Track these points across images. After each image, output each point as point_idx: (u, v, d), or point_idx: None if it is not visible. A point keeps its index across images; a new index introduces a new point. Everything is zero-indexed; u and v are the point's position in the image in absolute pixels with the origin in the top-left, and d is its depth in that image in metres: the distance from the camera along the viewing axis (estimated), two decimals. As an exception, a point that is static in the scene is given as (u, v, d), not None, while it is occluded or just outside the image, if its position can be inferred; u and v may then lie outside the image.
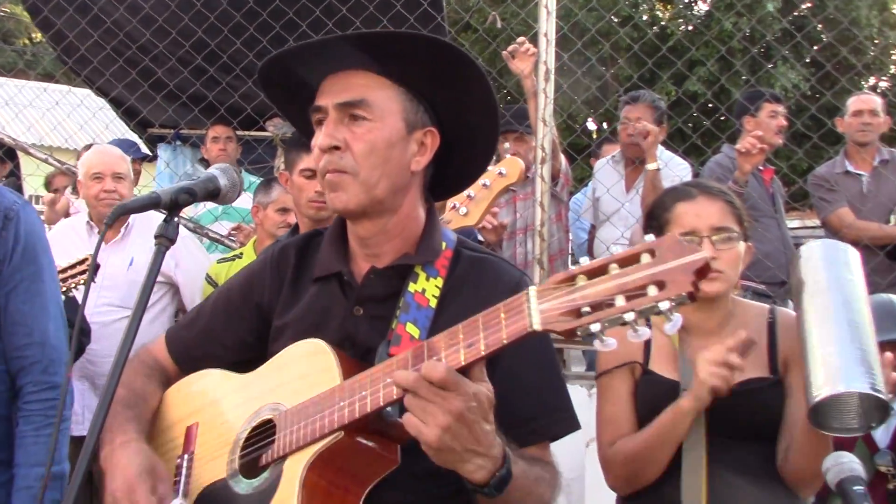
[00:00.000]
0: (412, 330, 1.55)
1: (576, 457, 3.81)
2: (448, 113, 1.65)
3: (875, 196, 4.58)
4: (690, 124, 9.71)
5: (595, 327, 1.18)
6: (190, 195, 1.51)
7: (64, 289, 2.96)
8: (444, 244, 1.67)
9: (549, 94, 4.18)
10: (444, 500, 1.57)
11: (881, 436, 3.06)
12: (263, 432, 1.55)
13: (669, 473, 2.13)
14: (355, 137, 1.55)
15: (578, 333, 1.21)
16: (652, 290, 1.15)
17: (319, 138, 1.57)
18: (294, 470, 1.44)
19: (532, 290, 1.26)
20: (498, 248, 4.57)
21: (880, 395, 1.80)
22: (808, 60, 14.67)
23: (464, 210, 2.69)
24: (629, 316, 1.16)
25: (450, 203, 2.79)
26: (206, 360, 1.75)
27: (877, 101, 4.66)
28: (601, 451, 2.28)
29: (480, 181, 2.78)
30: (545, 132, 4.18)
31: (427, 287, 1.61)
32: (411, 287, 1.60)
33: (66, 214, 4.53)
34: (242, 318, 1.75)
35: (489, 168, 2.82)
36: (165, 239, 1.45)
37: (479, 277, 1.41)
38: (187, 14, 4.56)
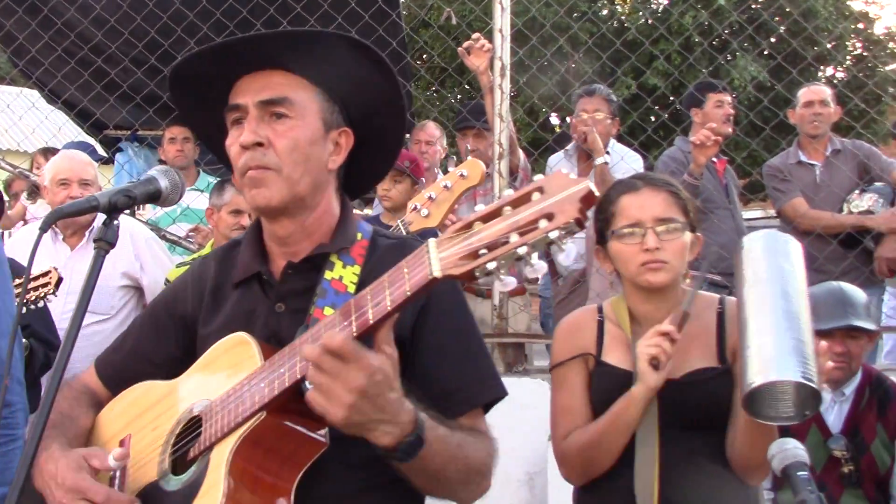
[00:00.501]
0: (330, 313, 1.55)
1: (539, 451, 3.84)
2: (359, 113, 1.69)
3: (828, 185, 4.65)
4: (652, 118, 9.82)
5: (491, 265, 1.24)
6: (129, 198, 1.50)
7: (33, 298, 2.93)
8: (359, 235, 1.72)
9: (504, 90, 4.20)
10: (381, 489, 1.58)
11: (834, 421, 3.12)
12: (192, 428, 1.56)
13: (623, 464, 2.15)
14: (278, 135, 1.59)
15: (477, 274, 1.25)
16: (542, 223, 1.21)
17: (244, 135, 1.58)
18: (220, 457, 1.44)
19: (432, 241, 1.31)
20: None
21: (812, 384, 1.82)
22: (765, 52, 14.87)
23: (425, 212, 2.71)
24: (522, 250, 1.22)
25: (411, 205, 2.80)
26: (137, 380, 1.74)
27: (827, 92, 4.73)
28: (555, 444, 2.30)
29: (441, 183, 2.79)
30: (502, 128, 4.20)
31: (344, 274, 1.64)
32: (327, 275, 1.64)
33: (24, 220, 4.47)
34: (168, 333, 1.77)
35: (450, 169, 2.83)
36: (104, 242, 1.44)
37: (395, 259, 1.41)
38: (140, 14, 4.51)
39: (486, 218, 1.27)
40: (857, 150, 4.73)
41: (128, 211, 1.64)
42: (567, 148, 4.99)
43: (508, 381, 4.08)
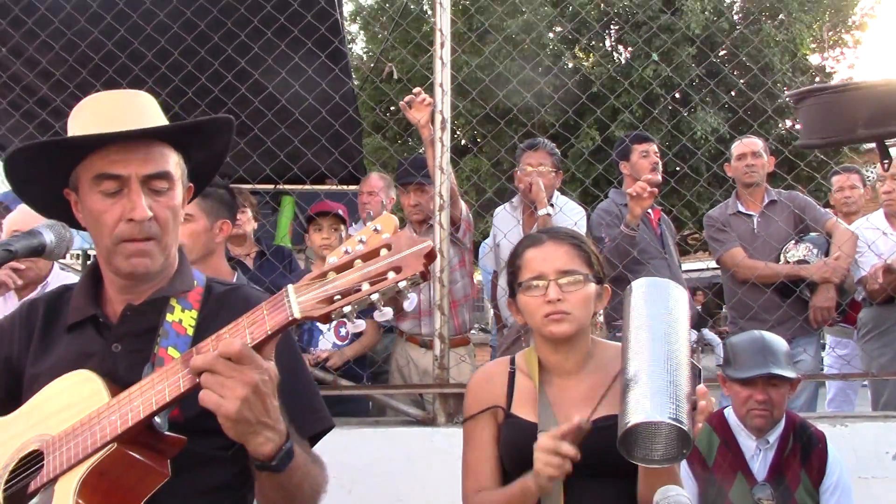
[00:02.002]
0: (174, 353, 1.66)
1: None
2: (194, 164, 1.81)
3: (764, 235, 4.74)
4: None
5: (347, 309, 1.41)
6: (7, 251, 1.53)
7: None
8: (195, 282, 1.82)
9: (445, 143, 4.25)
10: None
11: (759, 468, 3.16)
12: (29, 463, 1.58)
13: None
14: (160, 207, 1.69)
15: (333, 317, 1.41)
16: (391, 275, 1.39)
17: (137, 210, 1.65)
18: (66, 489, 1.48)
19: (290, 287, 1.46)
20: (401, 296, 4.61)
21: (680, 426, 1.85)
22: (726, 106, 15.18)
23: None
24: (374, 297, 1.39)
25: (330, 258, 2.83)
26: None
27: (758, 144, 4.86)
28: (464, 498, 2.33)
29: (357, 237, 2.83)
30: (442, 180, 4.25)
31: (183, 318, 1.74)
32: (169, 317, 1.72)
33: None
34: None
35: (366, 224, 2.88)
36: (-23, 294, 1.46)
37: (232, 304, 1.57)
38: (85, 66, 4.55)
39: (340, 269, 1.44)
40: (793, 201, 4.83)
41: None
42: (512, 200, 5.05)
43: (449, 432, 4.07)
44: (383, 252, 1.42)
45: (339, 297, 1.40)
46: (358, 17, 18.05)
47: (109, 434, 1.49)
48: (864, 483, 3.92)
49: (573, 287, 2.25)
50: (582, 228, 4.65)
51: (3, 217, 4.63)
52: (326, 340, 4.60)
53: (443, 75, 4.28)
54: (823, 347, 5.50)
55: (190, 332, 1.73)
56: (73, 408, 1.58)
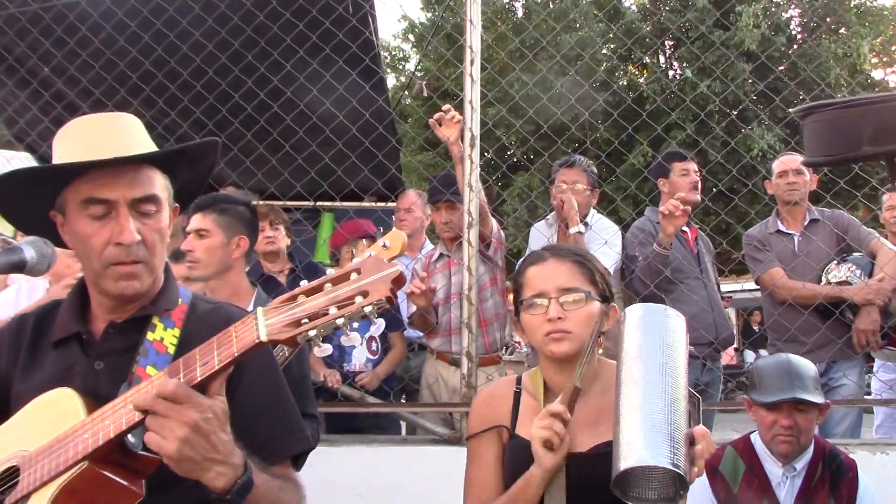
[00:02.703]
0: (152, 372, 1.65)
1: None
2: (180, 185, 1.82)
3: (805, 255, 4.60)
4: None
5: (312, 333, 1.40)
6: (-13, 268, 1.55)
7: None
8: (180, 300, 1.82)
9: (474, 160, 4.24)
10: None
11: (785, 497, 3.08)
12: (7, 479, 1.59)
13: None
14: (148, 229, 1.71)
15: (299, 340, 1.40)
16: (358, 299, 1.39)
17: (125, 234, 1.66)
18: None
19: (260, 309, 1.45)
20: (430, 314, 4.61)
21: (678, 471, 1.77)
22: (784, 123, 14.89)
23: None
24: (340, 321, 1.39)
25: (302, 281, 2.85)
26: None
27: (799, 160, 4.73)
28: None
29: (366, 253, 2.84)
30: (471, 197, 4.23)
31: (165, 336, 1.74)
32: (150, 336, 1.73)
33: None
34: None
35: (377, 241, 2.88)
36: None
37: (214, 321, 1.56)
38: (110, 74, 4.65)
39: (310, 292, 1.44)
40: (835, 220, 4.69)
41: None
42: (548, 217, 5.00)
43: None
44: (353, 276, 1.43)
45: (306, 320, 1.40)
46: (409, 35, 18.21)
47: (81, 452, 1.49)
48: (906, 514, 3.77)
49: (575, 305, 2.19)
50: (616, 246, 4.58)
51: None
52: (357, 358, 4.60)
53: (472, 92, 4.27)
54: (871, 371, 5.30)
55: (171, 350, 1.74)
56: (51, 425, 1.59)
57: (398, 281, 1.41)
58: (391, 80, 19.32)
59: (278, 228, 4.62)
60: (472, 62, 4.28)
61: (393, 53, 19.50)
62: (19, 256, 1.62)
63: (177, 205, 1.84)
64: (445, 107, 4.33)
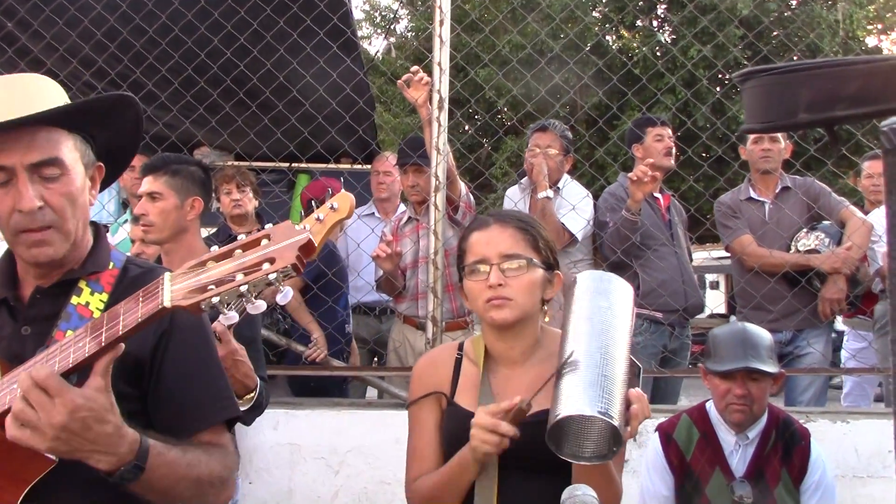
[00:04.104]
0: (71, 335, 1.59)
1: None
2: (103, 143, 1.76)
3: (776, 223, 4.58)
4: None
5: (215, 300, 1.36)
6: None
7: None
8: (111, 263, 1.78)
9: (442, 122, 4.19)
10: (114, 502, 1.60)
11: (738, 464, 3.06)
12: None
13: (465, 509, 2.12)
14: (53, 194, 1.64)
15: (203, 307, 1.37)
16: (265, 266, 1.36)
17: (24, 201, 1.60)
18: None
19: (167, 274, 1.43)
20: (397, 278, 4.58)
21: (609, 420, 1.77)
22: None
23: None
24: (244, 288, 1.35)
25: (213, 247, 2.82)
26: None
27: (769, 128, 4.67)
28: (406, 484, 2.27)
29: (314, 215, 2.80)
30: (439, 160, 4.18)
31: (91, 300, 1.70)
32: (74, 300, 1.69)
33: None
34: None
35: (325, 203, 2.85)
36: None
37: (145, 285, 1.48)
38: (75, 30, 4.57)
39: (219, 258, 1.41)
40: (807, 188, 4.65)
41: None
42: (521, 181, 4.96)
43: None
44: (264, 242, 1.39)
45: (212, 286, 1.37)
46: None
47: None
48: (863, 482, 3.79)
49: (516, 272, 2.16)
50: (585, 213, 4.55)
51: None
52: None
53: (441, 54, 4.21)
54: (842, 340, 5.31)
55: (97, 314, 1.68)
56: None
57: (306, 248, 1.38)
58: (381, 42, 19.14)
59: (245, 190, 4.57)
60: (441, 23, 4.22)
61: (383, 14, 19.28)
62: None
63: (100, 164, 1.77)
64: (413, 68, 4.26)
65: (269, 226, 1.43)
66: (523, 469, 2.09)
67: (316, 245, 2.79)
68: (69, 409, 1.37)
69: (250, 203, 4.66)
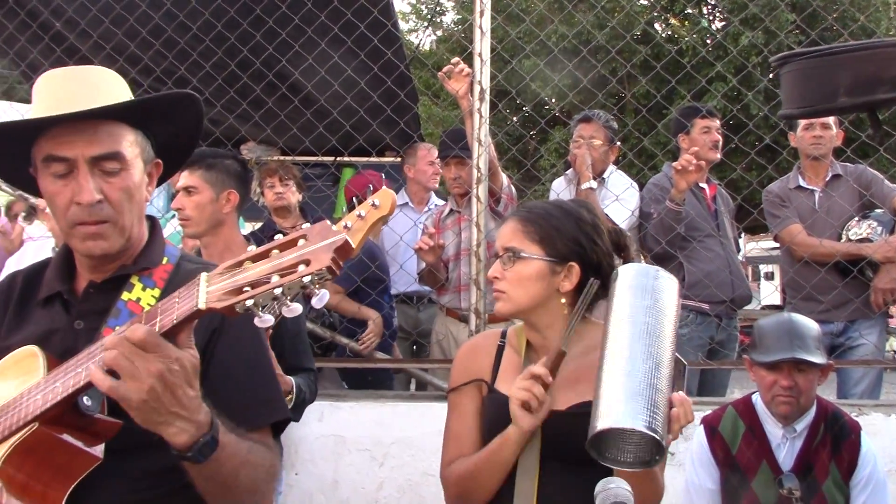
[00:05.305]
0: None
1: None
2: (163, 139, 1.76)
3: (826, 211, 4.47)
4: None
5: (250, 302, 1.31)
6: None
7: None
8: (165, 259, 1.77)
9: (483, 114, 4.17)
10: (163, 499, 1.61)
11: (785, 458, 3.00)
12: None
13: (503, 498, 2.10)
14: (112, 188, 1.64)
15: (237, 309, 1.32)
16: (301, 268, 1.30)
17: (84, 194, 1.60)
18: None
19: (204, 275, 1.39)
20: (439, 270, 4.58)
21: (654, 435, 1.73)
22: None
23: None
24: (279, 290, 1.29)
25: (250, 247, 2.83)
26: None
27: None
28: (441, 469, 2.28)
29: (356, 212, 2.80)
30: (480, 152, 4.17)
31: (143, 297, 1.69)
32: (125, 296, 1.68)
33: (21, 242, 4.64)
34: None
35: (366, 200, 2.84)
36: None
37: None
38: (121, 28, 4.64)
39: (256, 258, 1.35)
40: (858, 176, 4.54)
41: None
42: (567, 173, 4.92)
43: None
44: (301, 243, 1.34)
45: (248, 287, 1.32)
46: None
47: (31, 413, 1.47)
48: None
49: (510, 265, 2.17)
50: (629, 203, 4.49)
51: None
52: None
53: (482, 45, 4.18)
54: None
55: None
56: (16, 382, 1.58)
57: (343, 250, 1.32)
58: (426, 34, 19.13)
59: (288, 184, 4.60)
60: (481, 13, 4.20)
61: (428, 6, 19.27)
62: None
63: (158, 160, 1.77)
64: (454, 60, 4.25)
65: (306, 225, 1.39)
66: (564, 461, 2.08)
67: (354, 245, 2.81)
68: (167, 360, 1.35)
69: (293, 196, 4.69)
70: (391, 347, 4.76)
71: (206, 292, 1.35)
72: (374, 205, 2.77)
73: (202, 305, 1.34)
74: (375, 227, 2.83)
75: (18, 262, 4.32)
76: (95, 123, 1.62)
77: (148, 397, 1.35)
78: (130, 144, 1.67)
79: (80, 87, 1.66)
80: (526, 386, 1.98)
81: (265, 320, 1.33)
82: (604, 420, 1.77)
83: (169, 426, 1.39)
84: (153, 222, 1.81)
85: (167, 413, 1.37)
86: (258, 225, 4.83)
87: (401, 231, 4.90)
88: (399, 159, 6.02)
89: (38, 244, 4.55)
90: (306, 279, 1.29)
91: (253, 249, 1.37)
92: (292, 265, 1.31)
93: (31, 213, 4.73)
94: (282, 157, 5.71)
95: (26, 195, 4.79)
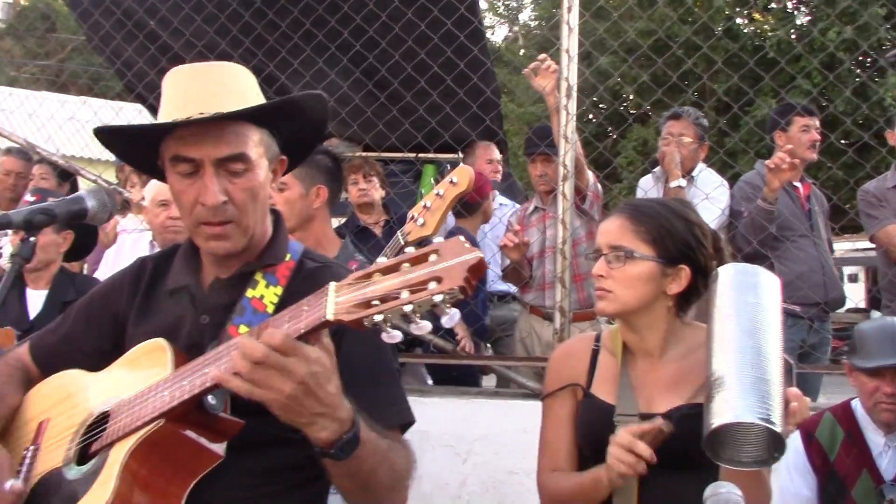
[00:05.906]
0: (244, 331, 1.61)
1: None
2: (288, 137, 1.75)
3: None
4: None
5: (378, 318, 1.26)
6: (48, 216, 1.58)
7: None
8: (288, 255, 1.76)
9: (570, 111, 4.13)
10: (277, 497, 1.62)
11: (887, 467, 2.90)
12: (101, 422, 1.62)
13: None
14: (236, 189, 1.65)
15: (366, 323, 1.27)
16: (432, 285, 1.24)
17: (209, 195, 1.61)
18: (117, 456, 1.51)
19: (333, 284, 1.35)
20: (524, 268, 4.56)
21: (771, 427, 1.69)
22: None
23: (421, 221, 2.71)
24: (408, 308, 1.24)
25: (409, 214, 2.81)
26: (66, 364, 1.81)
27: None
28: (538, 474, 2.27)
29: (434, 191, 2.80)
30: (566, 149, 4.13)
31: (266, 294, 1.69)
32: (249, 293, 1.69)
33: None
34: (101, 326, 1.83)
35: (444, 178, 2.84)
36: (20, 258, 1.53)
37: (319, 283, 1.42)
38: (212, 26, 4.73)
39: (386, 271, 1.31)
40: (962, 174, 4.36)
41: None
42: (655, 170, 4.86)
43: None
44: (432, 258, 1.28)
45: (377, 301, 1.27)
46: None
47: (158, 410, 1.48)
48: None
49: (618, 264, 2.11)
50: (720, 202, 4.40)
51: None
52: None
53: (570, 41, 4.14)
54: None
55: (270, 309, 1.68)
56: (143, 375, 1.60)
57: (476, 269, 1.24)
58: (504, 31, 19.10)
59: (371, 180, 4.63)
60: (569, 10, 4.15)
61: (506, 3, 19.24)
62: (80, 206, 1.65)
63: (283, 157, 1.77)
64: (541, 56, 4.22)
65: (438, 239, 1.34)
66: (667, 465, 2.03)
67: (433, 228, 2.79)
68: (307, 362, 1.33)
69: (377, 192, 4.73)
70: (480, 345, 4.75)
71: (335, 303, 1.32)
72: (452, 182, 2.78)
73: (330, 316, 1.31)
74: (452, 205, 2.82)
75: (117, 254, 4.42)
76: (222, 124, 1.62)
77: (290, 402, 1.34)
78: (256, 144, 1.67)
79: (207, 86, 1.66)
80: (629, 462, 1.92)
81: (393, 336, 1.29)
82: (722, 416, 1.74)
83: (312, 425, 1.38)
84: (277, 217, 1.81)
85: (310, 414, 1.37)
86: (342, 220, 4.87)
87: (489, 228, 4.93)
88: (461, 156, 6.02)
89: (133, 237, 4.65)
90: (437, 297, 1.23)
91: (383, 261, 1.33)
92: (423, 282, 1.25)
93: (125, 206, 4.85)
94: (365, 154, 5.76)
95: (120, 189, 4.93)
